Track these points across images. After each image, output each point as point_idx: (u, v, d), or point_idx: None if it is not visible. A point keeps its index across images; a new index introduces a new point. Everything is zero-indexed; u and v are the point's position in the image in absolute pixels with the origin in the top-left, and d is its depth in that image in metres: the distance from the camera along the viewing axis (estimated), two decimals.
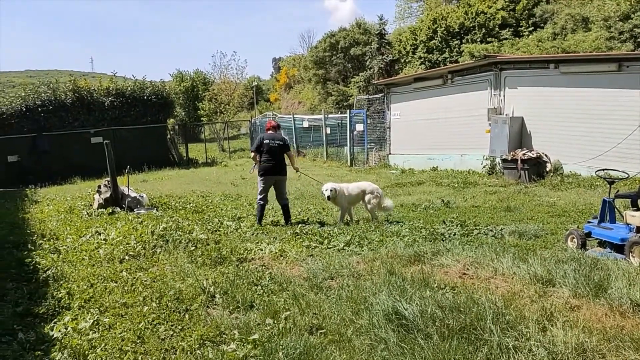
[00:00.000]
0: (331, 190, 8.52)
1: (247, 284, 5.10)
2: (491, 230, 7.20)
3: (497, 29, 28.53)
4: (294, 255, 6.34)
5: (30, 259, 6.41)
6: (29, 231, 8.27)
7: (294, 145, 24.44)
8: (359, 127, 19.82)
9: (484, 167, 14.01)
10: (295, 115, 25.85)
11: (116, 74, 23.78)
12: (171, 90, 25.01)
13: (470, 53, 26.09)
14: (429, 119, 16.56)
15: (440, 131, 16.20)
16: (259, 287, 5.03)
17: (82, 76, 24.93)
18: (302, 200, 10.81)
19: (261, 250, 6.70)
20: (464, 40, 29.08)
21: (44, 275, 5.73)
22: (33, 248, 7.05)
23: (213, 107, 37.75)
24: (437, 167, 15.84)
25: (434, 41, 30.43)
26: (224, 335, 3.92)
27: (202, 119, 39.11)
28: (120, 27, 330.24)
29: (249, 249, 6.71)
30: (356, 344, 3.54)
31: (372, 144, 19.93)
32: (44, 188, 16.48)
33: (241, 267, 5.81)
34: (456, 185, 12.10)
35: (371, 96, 21.59)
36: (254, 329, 3.94)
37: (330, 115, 24.68)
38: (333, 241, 7.02)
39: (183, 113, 42.10)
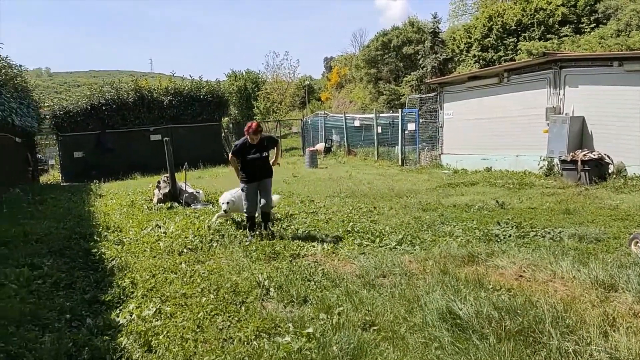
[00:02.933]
0: (228, 203, 8.04)
1: (301, 279, 5.19)
2: (549, 233, 6.98)
3: (556, 25, 27.47)
4: (345, 253, 6.40)
5: (96, 250, 6.78)
6: (94, 223, 8.72)
7: (345, 144, 24.46)
8: (411, 126, 19.62)
9: (541, 168, 13.57)
10: (346, 114, 25.87)
11: (175, 74, 24.63)
12: (225, 90, 25.60)
13: (527, 51, 25.28)
14: (483, 118, 16.20)
15: (494, 131, 15.82)
16: (312, 283, 5.12)
17: (142, 76, 25.93)
18: (353, 199, 10.84)
19: (313, 247, 6.79)
20: (520, 38, 28.18)
21: (109, 265, 6.04)
22: (99, 239, 7.44)
23: (267, 106, 38.36)
24: (491, 167, 15.49)
25: (489, 39, 29.66)
26: (279, 328, 4.02)
27: (255, 117, 39.79)
28: (178, 28, 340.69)
29: (301, 245, 6.82)
30: (409, 342, 3.56)
31: (424, 143, 19.70)
32: (106, 183, 17.28)
33: (294, 263, 5.92)
34: (511, 186, 11.79)
35: (423, 95, 21.33)
36: (308, 323, 4.02)
37: (381, 115, 24.55)
38: (385, 240, 7.02)
39: (236, 112, 43.01)
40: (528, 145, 14.47)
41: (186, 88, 22.99)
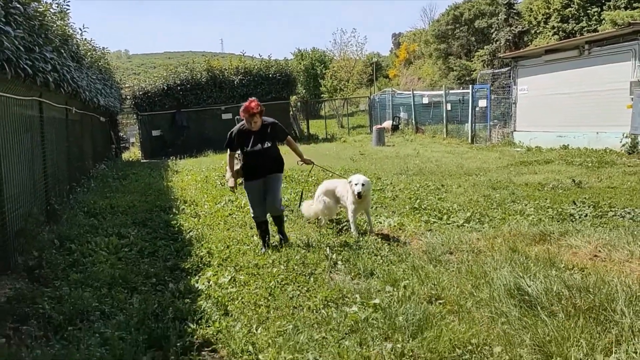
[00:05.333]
0: (363, 184, 6.12)
1: (367, 253, 5.31)
2: (629, 213, 6.66)
3: None
4: (412, 229, 6.44)
5: (175, 221, 7.23)
6: (172, 197, 9.25)
7: (412, 122, 24.10)
8: (482, 103, 19.00)
9: (624, 145, 12.78)
10: (414, 92, 25.42)
11: (244, 54, 25.11)
12: (293, 69, 25.87)
13: (612, 21, 23.63)
14: (561, 93, 15.41)
15: (573, 107, 15.01)
16: (379, 257, 5.22)
17: (214, 56, 26.68)
18: (420, 177, 10.76)
19: (380, 223, 6.88)
20: (605, 7, 26.33)
21: (188, 235, 6.45)
22: (177, 212, 7.90)
23: (334, 84, 38.35)
24: (567, 145, 14.77)
25: (569, 9, 27.97)
26: (346, 299, 4.17)
27: (322, 95, 39.95)
28: (247, 8, 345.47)
29: (366, 220, 6.92)
30: (476, 316, 3.60)
31: (495, 120, 19.04)
32: (182, 160, 18.11)
33: (361, 238, 6.04)
34: (589, 164, 11.23)
35: (496, 70, 20.54)
36: (374, 295, 4.14)
37: (451, 91, 23.92)
38: (452, 217, 6.99)
39: (304, 90, 43.33)
40: (609, 122, 13.66)
41: (255, 67, 23.45)
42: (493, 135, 18.46)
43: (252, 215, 6.03)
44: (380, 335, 3.44)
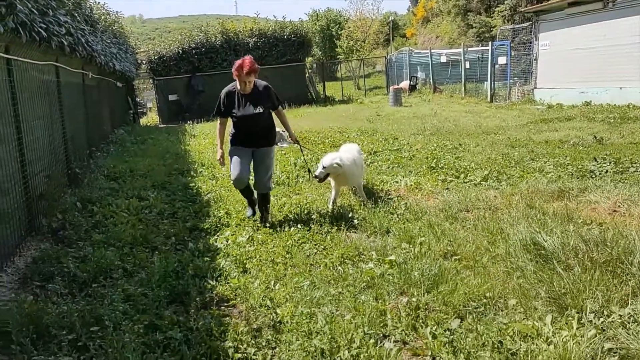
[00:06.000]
0: (324, 167, 5.44)
1: (384, 212, 5.33)
2: None
3: None
4: (429, 188, 6.42)
5: (193, 184, 7.32)
6: (190, 160, 9.34)
7: (431, 81, 23.68)
8: (502, 60, 18.52)
9: None
10: (432, 50, 24.88)
11: (259, 15, 24.77)
12: (308, 30, 25.43)
13: None
14: (584, 48, 14.92)
15: (596, 62, 14.56)
16: (395, 216, 5.24)
17: (229, 19, 26.31)
18: (437, 136, 10.65)
19: (397, 182, 6.87)
20: None
21: (206, 197, 6.53)
22: (195, 175, 7.99)
23: (350, 45, 37.69)
24: (590, 101, 14.41)
25: None
26: (363, 256, 4.22)
27: (338, 57, 39.36)
28: None
29: (384, 181, 6.92)
30: (491, 271, 3.62)
31: (515, 78, 18.60)
32: (198, 124, 18.17)
33: (377, 197, 6.05)
34: (612, 120, 10.97)
35: (517, 26, 19.93)
36: (390, 252, 4.18)
37: (469, 49, 23.35)
38: (469, 176, 6.94)
39: (320, 52, 42.71)
40: (634, 77, 13.25)
41: (270, 29, 23.13)
42: (513, 93, 18.08)
43: (232, 180, 5.33)
44: (395, 290, 3.49)
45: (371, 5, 42.04)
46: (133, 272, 4.06)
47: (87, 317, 3.18)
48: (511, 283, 3.37)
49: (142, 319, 3.15)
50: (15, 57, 5.13)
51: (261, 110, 5.16)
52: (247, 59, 5.02)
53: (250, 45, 22.33)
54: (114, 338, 2.88)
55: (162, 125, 20.60)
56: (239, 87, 5.13)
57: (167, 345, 2.88)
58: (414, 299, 3.24)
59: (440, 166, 7.65)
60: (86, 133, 9.68)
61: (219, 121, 5.52)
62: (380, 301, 3.34)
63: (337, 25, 43.57)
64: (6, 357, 2.79)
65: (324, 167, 5.45)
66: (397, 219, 5.12)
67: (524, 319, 2.93)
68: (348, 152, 5.84)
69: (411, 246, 4.23)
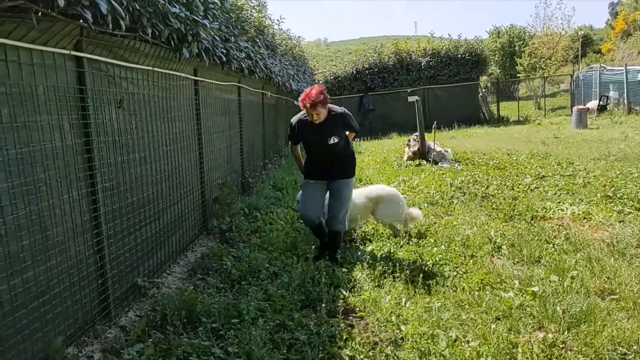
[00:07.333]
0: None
1: (538, 240, 4.95)
2: None
3: None
4: (599, 220, 5.76)
5: None
6: None
7: (625, 101, 21.05)
8: None
9: None
10: (627, 67, 22.11)
11: (433, 35, 24.70)
12: (486, 48, 24.56)
13: None
14: None
15: None
16: (550, 246, 4.83)
17: (405, 39, 26.76)
18: (623, 163, 9.43)
19: (562, 210, 6.30)
20: None
21: None
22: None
23: (532, 62, 35.35)
24: None
25: None
26: (504, 284, 3.99)
27: (518, 75, 37.18)
28: None
29: (547, 207, 6.40)
30: None
31: None
32: (365, 141, 18.73)
33: (534, 224, 5.63)
34: None
35: None
36: (535, 283, 3.88)
37: None
38: None
39: (498, 70, 40.85)
40: None
41: (444, 48, 22.94)
42: None
43: (301, 214, 4.95)
44: (532, 323, 3.24)
45: (560, 20, 38.58)
46: (278, 275, 4.40)
47: (230, 309, 3.55)
48: None
49: (274, 317, 3.42)
50: (202, 79, 5.96)
51: (336, 141, 4.62)
52: (315, 89, 4.50)
53: (422, 64, 22.41)
54: (248, 331, 3.18)
55: None
56: (308, 115, 4.63)
57: (292, 344, 3.09)
58: (550, 335, 2.98)
59: (618, 196, 6.79)
60: (262, 147, 10.69)
61: (291, 146, 5.13)
62: (513, 333, 3.14)
63: (521, 42, 41.19)
64: (162, 335, 3.27)
65: None
66: (552, 249, 4.71)
67: None
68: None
69: (561, 279, 3.87)
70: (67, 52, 3.11)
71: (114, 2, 2.98)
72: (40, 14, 2.67)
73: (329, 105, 4.64)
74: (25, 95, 2.78)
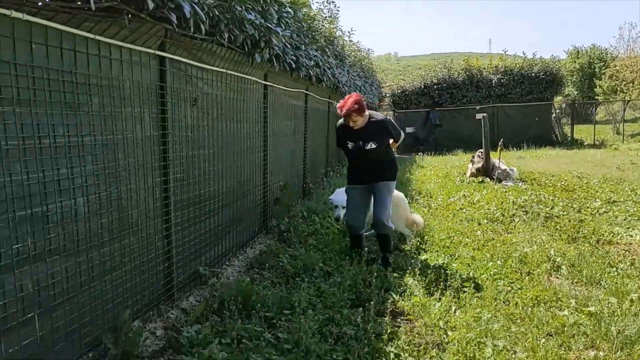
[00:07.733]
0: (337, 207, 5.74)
1: (601, 263, 4.79)
2: None
3: None
4: None
5: None
6: (410, 188, 9.69)
7: None
8: None
9: None
10: None
11: (506, 52, 24.12)
12: (563, 68, 23.68)
13: None
14: None
15: None
16: (614, 270, 4.66)
17: (480, 56, 26.34)
18: None
19: (630, 236, 6.03)
20: None
21: None
22: (410, 201, 8.28)
23: (613, 85, 33.67)
24: None
25: None
26: (560, 302, 3.91)
27: (597, 97, 35.51)
28: (517, 7, 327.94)
29: (615, 232, 6.14)
30: None
31: None
32: (430, 156, 18.56)
33: (599, 248, 5.44)
34: None
35: None
36: (592, 304, 3.78)
37: None
38: None
39: (575, 92, 39.20)
40: None
41: (517, 66, 22.32)
42: None
43: (346, 221, 5.18)
44: (585, 342, 3.18)
45: None
46: (330, 274, 4.52)
47: (283, 301, 3.71)
48: None
49: (324, 312, 3.55)
50: (271, 84, 6.24)
51: (374, 147, 4.76)
52: (351, 98, 4.65)
53: (493, 82, 21.94)
54: (298, 321, 3.32)
55: (396, 155, 21.58)
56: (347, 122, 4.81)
57: (340, 337, 3.20)
58: (602, 354, 2.92)
59: None
60: (325, 154, 10.90)
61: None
62: (564, 349, 3.09)
63: (602, 63, 39.34)
64: (219, 319, 3.48)
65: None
66: (615, 273, 4.55)
67: None
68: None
69: (620, 302, 3.75)
70: (152, 51, 3.41)
71: (196, 7, 3.25)
72: (130, 14, 2.97)
73: (370, 112, 4.88)
74: (113, 88, 3.08)
